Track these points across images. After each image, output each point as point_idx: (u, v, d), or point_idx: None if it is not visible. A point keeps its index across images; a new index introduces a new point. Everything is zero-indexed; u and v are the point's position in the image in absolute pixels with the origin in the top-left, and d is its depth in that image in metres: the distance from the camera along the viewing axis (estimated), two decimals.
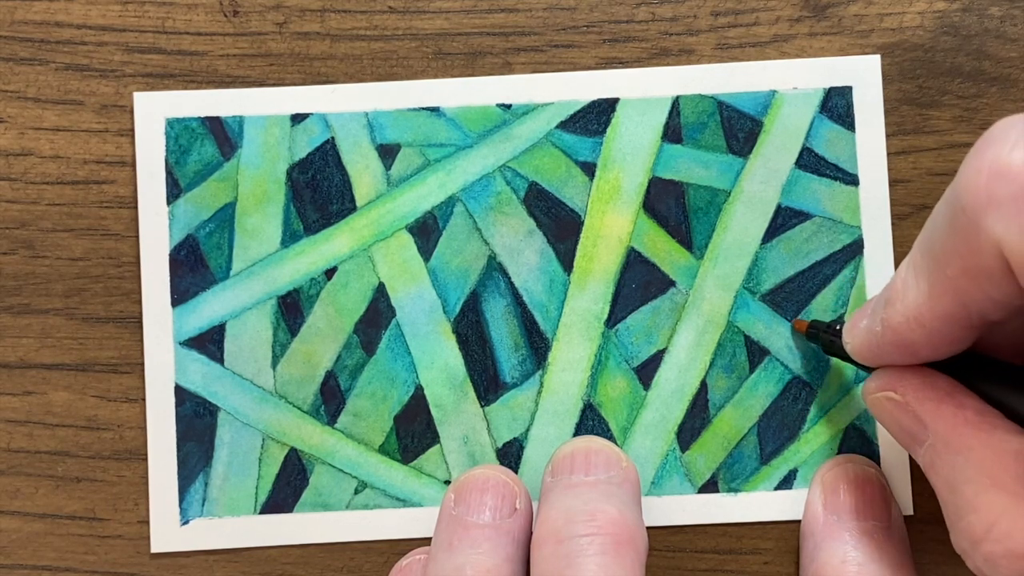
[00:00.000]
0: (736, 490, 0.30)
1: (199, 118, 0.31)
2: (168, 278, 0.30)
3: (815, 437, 0.30)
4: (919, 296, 0.23)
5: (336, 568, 0.30)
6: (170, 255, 0.30)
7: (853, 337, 0.26)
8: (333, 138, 0.31)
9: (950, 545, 0.30)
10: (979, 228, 0.21)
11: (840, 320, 0.28)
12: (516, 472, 0.30)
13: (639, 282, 0.30)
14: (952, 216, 0.21)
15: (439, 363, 0.30)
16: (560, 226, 0.31)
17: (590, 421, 0.30)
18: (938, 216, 0.22)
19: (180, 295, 0.30)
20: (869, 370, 0.27)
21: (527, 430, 0.30)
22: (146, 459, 0.30)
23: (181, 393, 0.30)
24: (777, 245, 0.30)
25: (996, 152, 0.21)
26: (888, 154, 0.30)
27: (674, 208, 0.31)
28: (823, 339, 0.29)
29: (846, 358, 0.28)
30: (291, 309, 0.30)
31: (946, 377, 0.25)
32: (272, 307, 0.30)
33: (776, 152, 0.31)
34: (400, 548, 0.30)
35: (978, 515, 0.23)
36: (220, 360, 0.30)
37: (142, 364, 0.30)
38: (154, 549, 0.30)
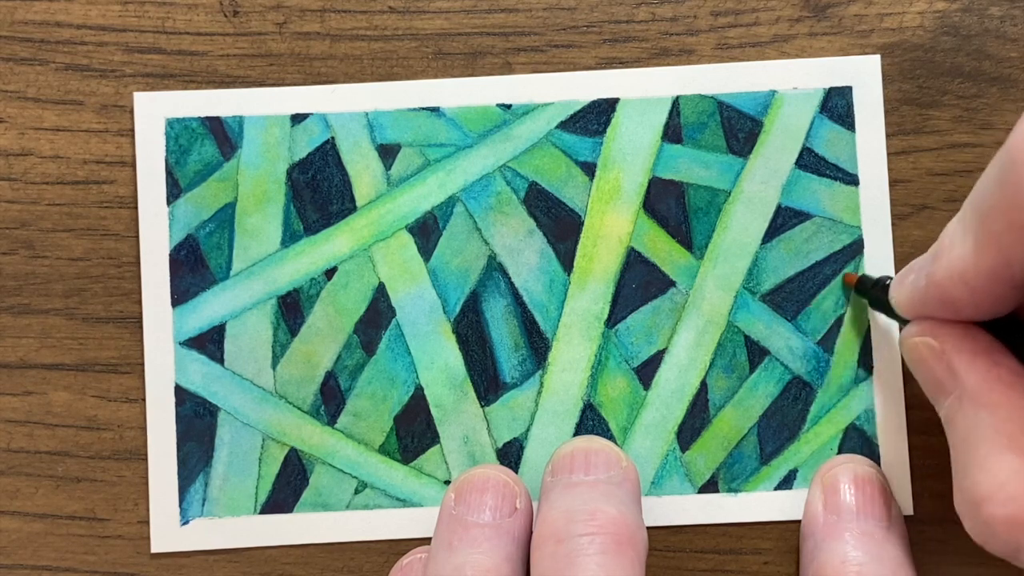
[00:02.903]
0: (736, 490, 0.30)
1: (199, 118, 0.31)
2: (168, 278, 0.30)
3: (815, 437, 0.30)
4: (964, 252, 0.23)
5: (336, 568, 0.30)
6: (170, 255, 0.30)
7: (899, 292, 0.26)
8: (333, 138, 0.31)
9: (950, 545, 0.30)
10: None
11: (889, 277, 0.28)
12: (516, 472, 0.30)
13: (639, 282, 0.30)
14: (1001, 171, 0.22)
15: (439, 363, 0.30)
16: (560, 226, 0.31)
17: (590, 421, 0.30)
18: (988, 173, 0.23)
19: (180, 295, 0.30)
20: None
21: (527, 430, 0.30)
22: (146, 459, 0.30)
23: (181, 393, 0.30)
24: (777, 245, 0.30)
25: None
26: (888, 154, 0.30)
27: (674, 208, 0.31)
28: (871, 294, 0.29)
29: (891, 313, 0.27)
30: (291, 309, 0.30)
31: (987, 333, 0.25)
32: (272, 307, 0.30)
33: (776, 152, 0.31)
34: (400, 548, 0.30)
35: (987, 474, 0.23)
36: (220, 360, 0.30)
37: (142, 364, 0.30)
38: (154, 549, 0.30)
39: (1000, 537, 0.23)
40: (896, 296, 0.27)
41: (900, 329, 0.29)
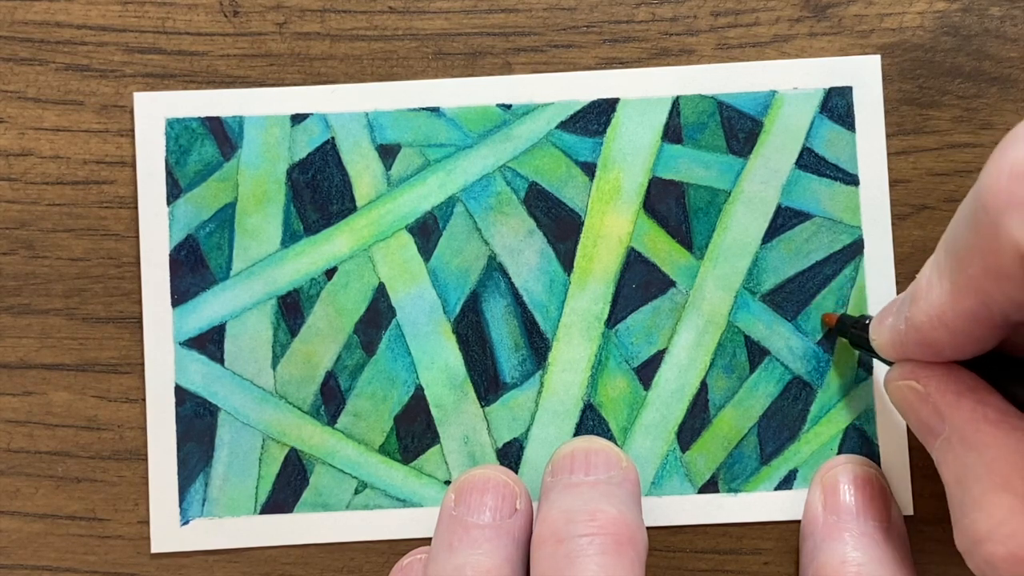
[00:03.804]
0: (736, 490, 0.30)
1: (199, 118, 0.31)
2: (168, 278, 0.30)
3: (815, 437, 0.30)
4: (942, 295, 0.23)
5: (336, 568, 0.30)
6: (170, 255, 0.30)
7: (879, 334, 0.26)
8: (333, 138, 0.31)
9: (950, 545, 0.30)
10: (999, 229, 0.21)
11: (868, 316, 0.28)
12: (516, 472, 0.30)
13: (639, 282, 0.30)
14: (973, 216, 0.21)
15: (439, 363, 0.30)
16: (560, 226, 0.31)
17: (590, 421, 0.30)
18: (961, 215, 0.22)
19: (180, 295, 0.30)
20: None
21: (527, 430, 0.30)
22: (146, 459, 0.30)
23: (181, 393, 0.30)
24: (777, 245, 0.30)
25: (1018, 154, 0.20)
26: (888, 154, 0.30)
27: (674, 208, 0.31)
28: (851, 334, 0.29)
29: (874, 353, 0.27)
30: (291, 309, 0.30)
31: (970, 373, 0.25)
32: (272, 307, 0.30)
33: (776, 152, 0.31)
34: (400, 548, 0.30)
35: (983, 514, 0.23)
36: (220, 360, 0.30)
37: (142, 364, 0.30)
38: (154, 549, 0.30)
39: (1002, 575, 0.23)
40: (876, 339, 0.27)
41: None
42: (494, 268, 0.31)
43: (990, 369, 0.25)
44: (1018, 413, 0.24)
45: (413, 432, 0.30)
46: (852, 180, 0.30)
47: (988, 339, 0.24)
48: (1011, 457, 0.23)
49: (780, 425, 0.30)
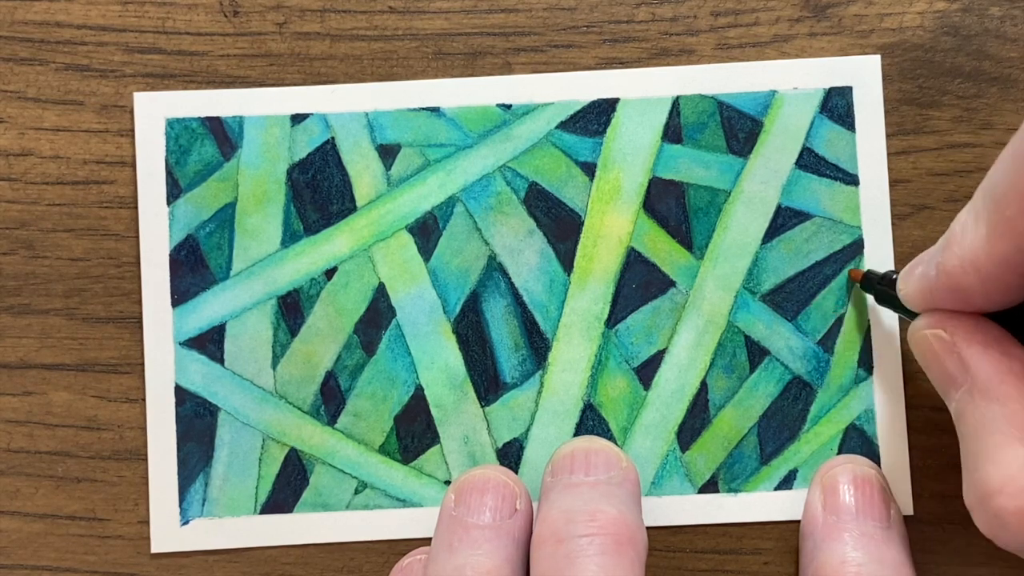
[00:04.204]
0: (736, 490, 0.30)
1: (199, 118, 0.31)
2: (168, 278, 0.30)
3: (815, 437, 0.30)
4: (976, 239, 0.23)
5: (336, 568, 0.30)
6: (170, 255, 0.30)
7: (908, 283, 0.26)
8: (333, 138, 0.31)
9: (950, 545, 0.30)
10: None
11: (894, 271, 0.28)
12: (516, 472, 0.30)
13: (639, 282, 0.30)
14: (1015, 155, 0.22)
15: (439, 363, 0.30)
16: (560, 226, 0.31)
17: (590, 421, 0.30)
18: (1003, 158, 0.22)
19: (180, 295, 0.30)
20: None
21: (527, 430, 0.30)
22: (146, 459, 0.30)
23: (181, 393, 0.30)
24: (777, 245, 0.30)
25: None
26: (888, 154, 0.30)
27: (674, 208, 0.31)
28: (877, 289, 0.29)
29: (898, 308, 0.27)
30: (291, 309, 0.30)
31: (997, 325, 0.25)
32: (272, 307, 0.30)
33: (776, 152, 0.31)
34: (400, 548, 0.30)
35: (997, 467, 0.23)
36: (220, 360, 0.30)
37: (142, 364, 0.30)
38: (154, 549, 0.30)
39: (1011, 530, 0.23)
40: (904, 288, 0.26)
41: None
42: (494, 268, 0.31)
43: (1017, 324, 0.25)
44: None
45: (413, 432, 0.30)
46: (852, 180, 0.30)
47: (1018, 289, 0.23)
48: None
49: (780, 425, 0.30)
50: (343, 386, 0.30)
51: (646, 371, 0.30)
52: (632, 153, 0.31)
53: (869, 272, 0.29)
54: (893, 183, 0.30)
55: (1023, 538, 0.23)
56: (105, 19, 0.31)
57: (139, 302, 0.30)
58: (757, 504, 0.30)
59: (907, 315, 0.27)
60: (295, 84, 0.31)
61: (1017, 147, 0.22)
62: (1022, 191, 0.21)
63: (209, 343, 0.30)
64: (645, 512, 0.30)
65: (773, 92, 0.31)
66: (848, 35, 0.31)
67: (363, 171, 0.31)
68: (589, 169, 0.31)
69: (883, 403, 0.30)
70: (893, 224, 0.30)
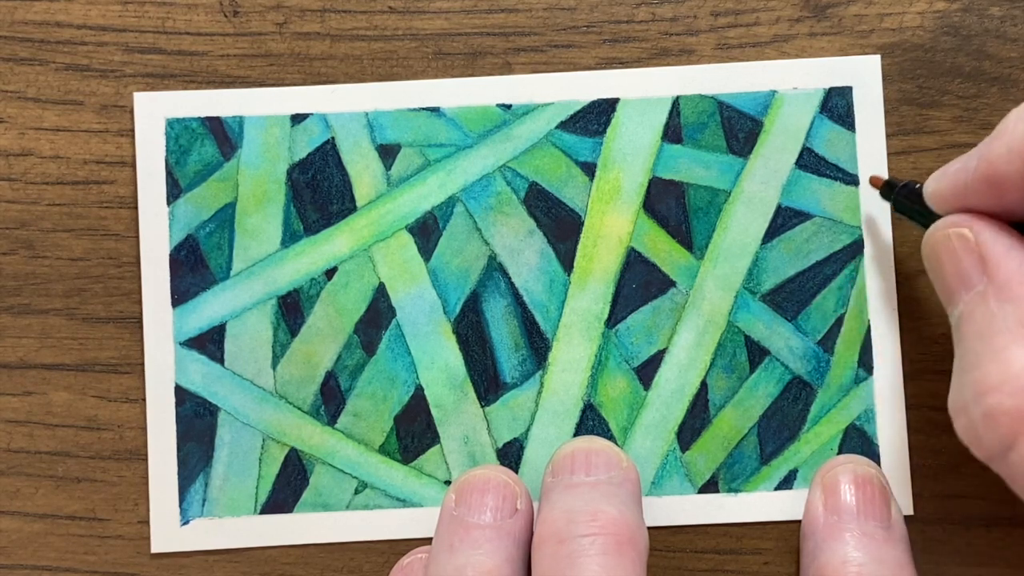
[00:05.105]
0: (736, 490, 0.30)
1: (199, 118, 0.31)
2: (168, 278, 0.30)
3: (815, 437, 0.30)
4: None
5: (336, 568, 0.30)
6: (170, 255, 0.30)
7: (939, 181, 0.26)
8: (333, 138, 0.31)
9: (950, 545, 0.30)
10: None
11: (917, 181, 0.28)
12: (516, 472, 0.30)
13: (639, 282, 0.30)
14: None
15: (439, 363, 0.30)
16: (560, 226, 0.31)
17: (590, 421, 0.30)
18: None
19: (180, 295, 0.30)
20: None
21: (527, 430, 0.30)
22: (146, 459, 0.30)
23: (181, 393, 0.30)
24: (777, 245, 0.30)
25: None
26: (888, 154, 0.30)
27: (674, 208, 0.31)
28: (897, 197, 0.28)
29: (917, 216, 0.27)
30: (291, 309, 0.30)
31: (1020, 234, 0.25)
32: (272, 307, 0.30)
33: (776, 152, 0.31)
34: (400, 548, 0.30)
35: (999, 365, 0.23)
36: (220, 360, 0.30)
37: (142, 364, 0.30)
38: (154, 549, 0.30)
39: (999, 430, 0.22)
40: (934, 186, 0.26)
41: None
42: (494, 268, 0.31)
43: None
44: None
45: (413, 432, 0.30)
46: (852, 180, 0.30)
47: None
48: None
49: (780, 425, 0.30)
50: (343, 386, 0.30)
51: (646, 371, 0.30)
52: (632, 153, 0.31)
53: (891, 180, 0.29)
54: None
55: (1008, 441, 0.22)
56: (105, 19, 0.31)
57: (139, 302, 0.30)
58: (757, 504, 0.30)
59: (926, 222, 0.27)
60: (295, 84, 0.31)
61: None
62: None
63: (209, 343, 0.30)
64: (645, 512, 0.29)
65: (773, 92, 0.31)
66: (848, 35, 0.31)
67: (363, 171, 0.31)
68: (589, 169, 0.31)
69: (883, 403, 0.30)
70: (893, 224, 0.30)
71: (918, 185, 0.27)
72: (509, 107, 0.31)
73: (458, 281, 0.31)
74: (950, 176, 0.26)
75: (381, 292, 0.30)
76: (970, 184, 0.25)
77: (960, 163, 0.25)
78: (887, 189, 0.29)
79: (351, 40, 0.31)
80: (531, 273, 0.30)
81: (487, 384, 0.30)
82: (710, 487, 0.30)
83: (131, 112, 0.31)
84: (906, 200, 0.28)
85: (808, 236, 0.30)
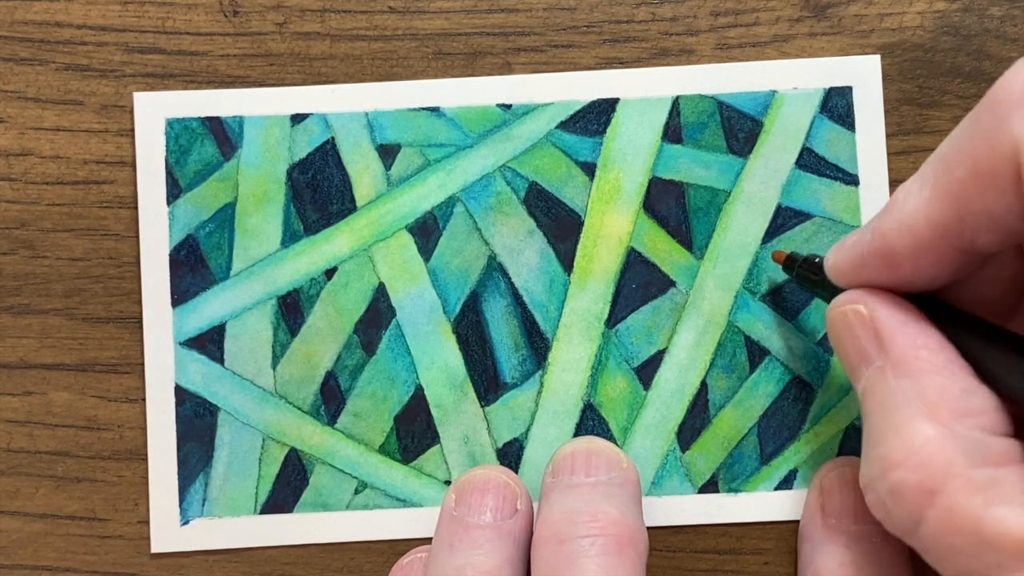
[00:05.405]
0: (736, 490, 0.30)
1: (199, 118, 0.31)
2: (168, 278, 0.30)
3: (815, 437, 0.30)
4: (919, 202, 0.23)
5: (336, 568, 0.30)
6: (170, 255, 0.30)
7: (838, 255, 0.26)
8: (333, 138, 0.31)
9: None
10: (1002, 126, 0.21)
11: (817, 255, 0.28)
12: (516, 472, 0.30)
13: (639, 282, 0.30)
14: (977, 116, 0.22)
15: (439, 363, 0.30)
16: (560, 226, 0.31)
17: (590, 421, 0.30)
18: (960, 125, 0.23)
19: (180, 295, 0.30)
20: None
21: (527, 430, 0.30)
22: (146, 459, 0.30)
23: (181, 393, 0.30)
24: (777, 245, 0.30)
25: None
26: (888, 154, 0.30)
27: (674, 208, 0.31)
28: (800, 271, 0.29)
29: (820, 289, 0.27)
30: (291, 309, 0.30)
31: (916, 307, 0.25)
32: (272, 307, 0.30)
33: (776, 152, 0.31)
34: (400, 548, 0.30)
35: (900, 440, 0.23)
36: (220, 360, 0.30)
37: (142, 364, 0.30)
38: (154, 549, 0.30)
39: (905, 506, 0.23)
40: (833, 259, 0.26)
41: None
42: (494, 268, 0.31)
43: (935, 313, 0.25)
44: (955, 350, 0.24)
45: (413, 432, 0.30)
46: (852, 180, 0.30)
47: (947, 265, 0.24)
48: (942, 388, 0.23)
49: (780, 425, 0.30)
50: (343, 386, 0.30)
51: (646, 371, 0.30)
52: (632, 153, 0.31)
53: (792, 254, 0.29)
54: (893, 183, 0.30)
55: (916, 516, 0.22)
56: (105, 19, 0.31)
57: (139, 302, 0.30)
58: (757, 504, 0.30)
59: (827, 297, 0.27)
60: (295, 84, 0.31)
61: (974, 114, 0.22)
62: (975, 151, 0.22)
63: (209, 343, 0.30)
64: (645, 512, 0.30)
65: (773, 92, 0.31)
66: (848, 35, 0.31)
67: (363, 171, 0.31)
68: (589, 169, 0.31)
69: None
70: None
71: (818, 259, 0.28)
72: (509, 107, 0.31)
73: (458, 281, 0.31)
74: (847, 250, 0.26)
75: (381, 292, 0.30)
76: (866, 258, 0.25)
77: (856, 236, 0.26)
78: (789, 263, 0.29)
79: (351, 40, 0.31)
80: (531, 273, 0.31)
81: (487, 384, 0.30)
82: (710, 487, 0.30)
83: (131, 112, 0.31)
84: (809, 273, 0.28)
85: (808, 236, 0.30)
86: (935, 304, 0.25)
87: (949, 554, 0.22)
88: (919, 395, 0.23)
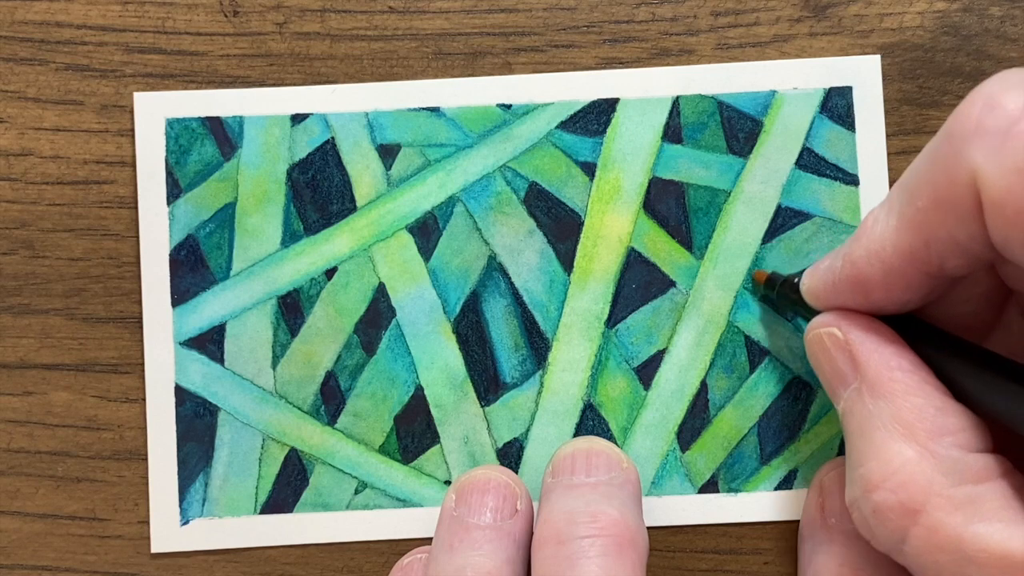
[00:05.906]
0: (736, 490, 0.30)
1: (199, 118, 0.31)
2: (168, 278, 0.30)
3: (815, 437, 0.30)
4: (885, 230, 0.24)
5: (336, 568, 0.30)
6: (170, 255, 0.30)
7: (813, 278, 0.27)
8: (333, 138, 0.31)
9: None
10: (960, 156, 0.21)
11: (797, 275, 0.28)
12: (516, 472, 0.30)
13: (639, 282, 0.30)
14: (936, 147, 0.22)
15: (439, 363, 0.30)
16: (560, 226, 0.31)
17: (590, 421, 0.30)
18: (922, 153, 0.23)
19: (180, 295, 0.30)
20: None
21: (527, 430, 0.30)
22: (146, 459, 0.30)
23: (181, 393, 0.30)
24: (777, 245, 0.30)
25: (994, 88, 0.21)
26: (888, 154, 0.30)
27: (674, 208, 0.31)
28: (779, 291, 0.29)
29: (799, 310, 0.28)
30: (291, 309, 0.30)
31: (890, 328, 0.25)
32: (272, 307, 0.30)
33: (776, 152, 0.31)
34: (400, 548, 0.30)
35: (880, 462, 0.23)
36: (220, 360, 0.30)
37: (142, 364, 0.30)
38: (154, 549, 0.30)
39: (888, 525, 0.23)
40: (809, 283, 0.27)
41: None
42: (494, 268, 0.31)
43: (909, 333, 0.25)
44: (930, 370, 0.24)
45: (413, 432, 0.30)
46: (852, 180, 0.30)
47: (919, 289, 0.24)
48: (917, 409, 0.23)
49: (780, 425, 0.30)
50: (343, 386, 0.30)
51: (646, 371, 0.30)
52: (632, 153, 0.31)
53: (773, 274, 0.29)
54: (893, 183, 0.30)
55: (899, 534, 0.23)
56: (105, 19, 0.31)
57: (139, 302, 0.30)
58: (757, 504, 0.30)
59: (806, 318, 0.27)
60: (295, 84, 0.31)
61: (933, 143, 0.22)
62: (936, 180, 0.22)
63: (209, 343, 0.30)
64: (645, 512, 0.30)
65: (773, 92, 0.31)
66: (848, 35, 0.31)
67: (363, 171, 0.31)
68: (589, 169, 0.31)
69: None
70: None
71: (798, 279, 0.28)
72: (509, 107, 0.31)
73: (458, 281, 0.31)
74: (820, 275, 0.26)
75: (381, 292, 0.30)
76: (838, 285, 0.25)
77: (829, 261, 0.26)
78: (770, 284, 0.29)
79: (351, 40, 0.31)
80: (531, 273, 0.31)
81: (487, 384, 0.30)
82: (710, 487, 0.30)
83: (131, 112, 0.31)
84: (789, 292, 0.28)
85: (808, 236, 0.30)
86: (912, 323, 0.25)
87: (934, 571, 0.22)
88: (895, 416, 0.23)
